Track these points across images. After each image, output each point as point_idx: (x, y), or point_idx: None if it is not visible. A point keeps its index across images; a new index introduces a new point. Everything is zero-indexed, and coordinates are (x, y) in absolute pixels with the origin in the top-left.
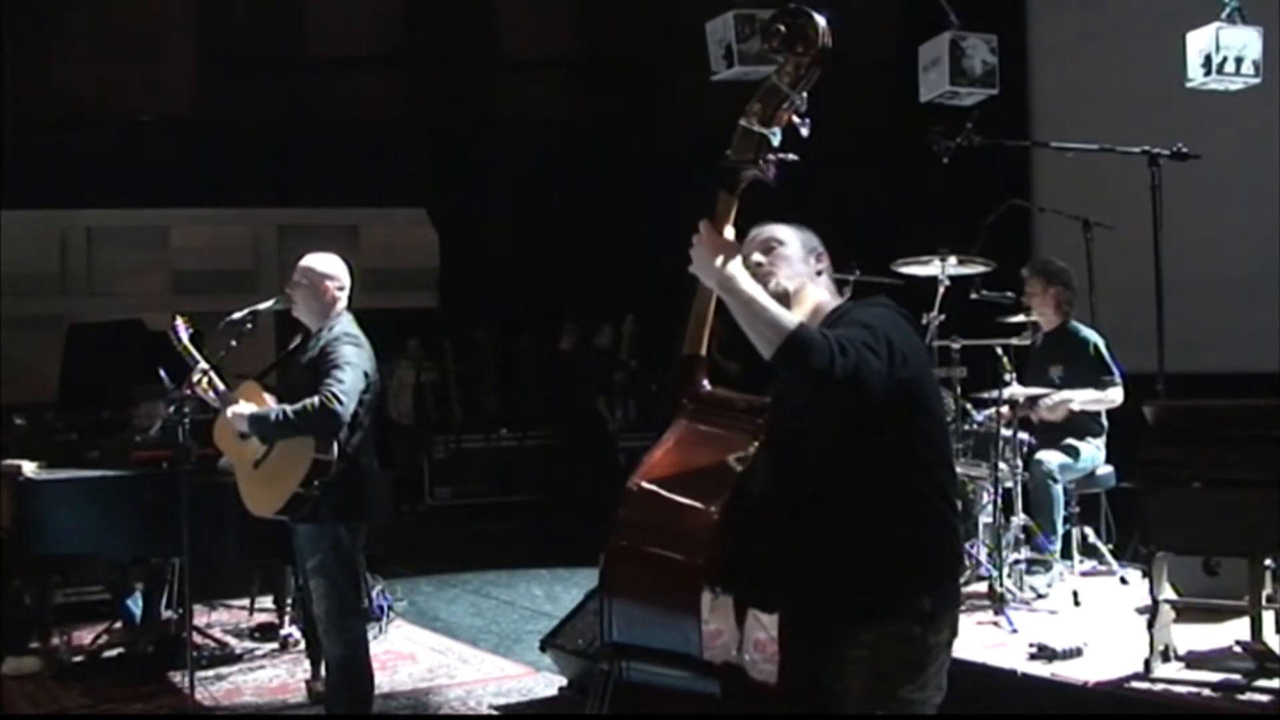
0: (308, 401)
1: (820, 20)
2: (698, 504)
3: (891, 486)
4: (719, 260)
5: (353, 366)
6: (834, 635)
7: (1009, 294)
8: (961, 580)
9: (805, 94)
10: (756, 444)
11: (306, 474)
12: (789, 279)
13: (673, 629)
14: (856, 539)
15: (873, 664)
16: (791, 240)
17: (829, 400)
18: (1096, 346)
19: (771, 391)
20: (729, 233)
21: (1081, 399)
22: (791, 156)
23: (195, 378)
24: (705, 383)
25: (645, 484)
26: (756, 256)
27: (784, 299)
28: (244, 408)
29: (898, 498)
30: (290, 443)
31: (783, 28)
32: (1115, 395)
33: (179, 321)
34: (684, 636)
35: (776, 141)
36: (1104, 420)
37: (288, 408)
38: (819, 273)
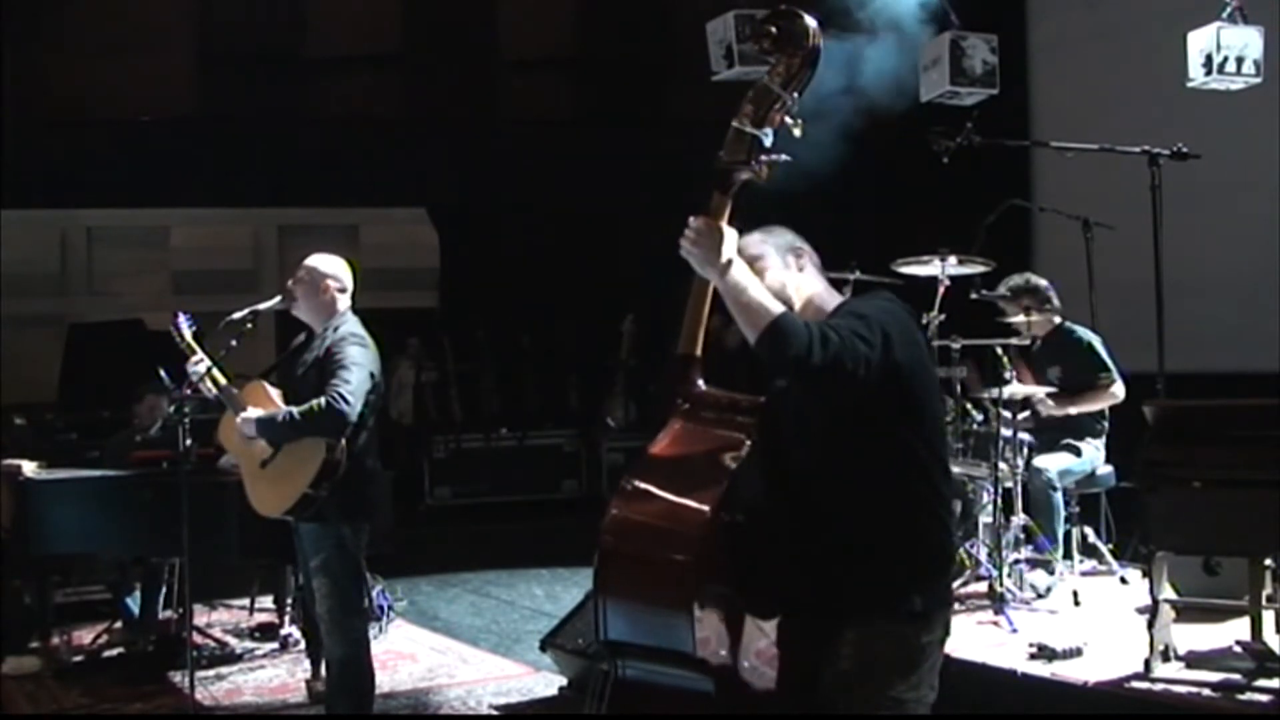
0: (314, 402)
1: (811, 21)
2: (690, 502)
3: (886, 485)
4: (714, 249)
5: (359, 366)
6: (827, 632)
7: (1009, 294)
8: (959, 580)
9: (797, 94)
10: (751, 443)
11: (317, 474)
12: (779, 292)
13: (666, 627)
14: (850, 537)
15: (864, 662)
16: (767, 252)
17: (815, 390)
18: (1092, 345)
19: (768, 391)
20: (729, 235)
21: (1079, 406)
22: (784, 157)
23: (191, 368)
24: (700, 382)
25: (639, 483)
26: None
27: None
28: (252, 413)
29: (892, 496)
30: (299, 443)
31: (774, 29)
32: (1116, 391)
33: (182, 317)
34: (677, 634)
35: (769, 142)
36: (1104, 420)
37: (294, 410)
38: (801, 269)
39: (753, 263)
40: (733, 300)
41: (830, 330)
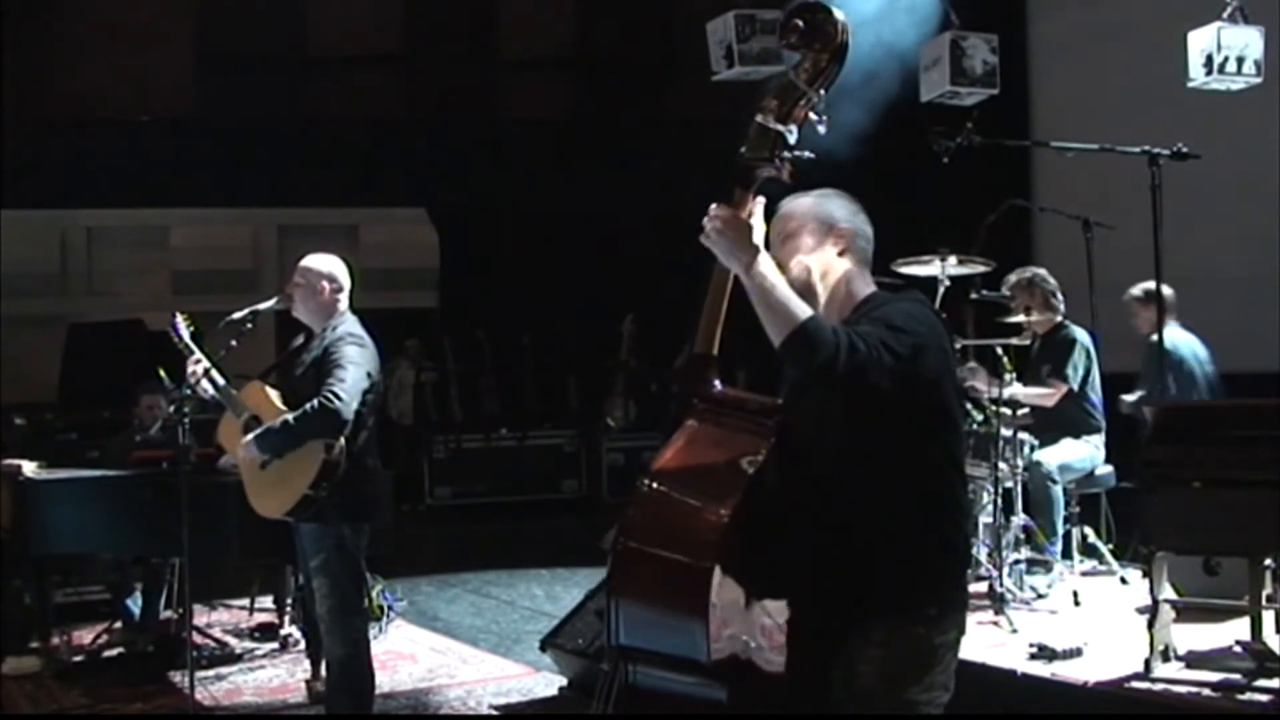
0: (307, 405)
1: (840, 16)
2: (708, 506)
3: (904, 490)
4: (743, 241)
5: (355, 366)
6: (841, 635)
7: (1012, 288)
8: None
9: (824, 91)
10: (768, 446)
11: (316, 475)
12: (802, 270)
13: (680, 633)
14: (867, 540)
15: (879, 664)
16: (801, 226)
17: (836, 397)
18: (1079, 345)
19: (785, 392)
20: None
21: (1022, 393)
22: (808, 154)
23: (190, 369)
24: (717, 382)
25: (655, 485)
26: (774, 252)
27: (804, 290)
28: (246, 438)
29: (909, 501)
30: None
31: (801, 23)
32: (1050, 398)
33: (179, 318)
34: (691, 641)
35: (793, 139)
36: (1101, 418)
37: (289, 416)
38: (841, 252)
39: (786, 239)
40: (759, 298)
41: (858, 339)
